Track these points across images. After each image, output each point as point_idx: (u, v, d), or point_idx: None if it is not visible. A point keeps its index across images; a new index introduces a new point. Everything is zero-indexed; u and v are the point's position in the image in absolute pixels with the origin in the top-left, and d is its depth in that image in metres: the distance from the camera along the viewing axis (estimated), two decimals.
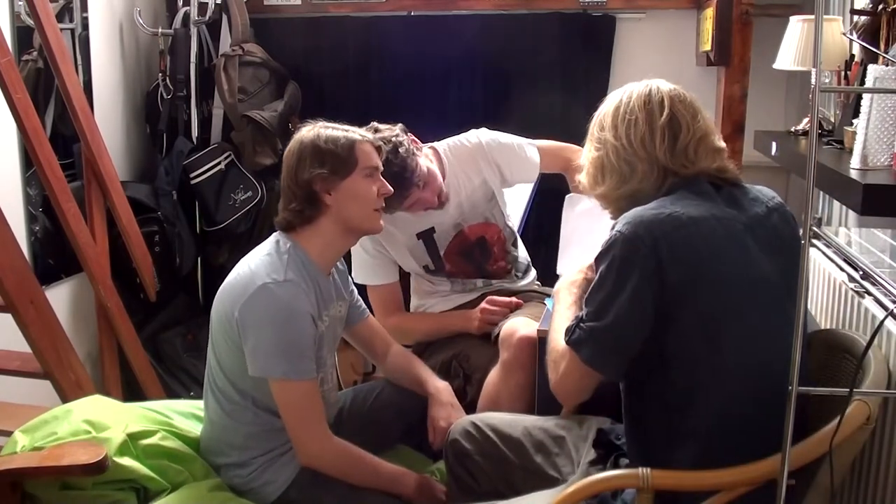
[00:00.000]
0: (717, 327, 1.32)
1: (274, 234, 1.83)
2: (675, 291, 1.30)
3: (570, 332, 1.40)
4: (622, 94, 1.48)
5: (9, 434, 1.74)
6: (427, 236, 2.26)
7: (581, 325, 1.38)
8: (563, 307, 1.58)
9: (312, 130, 1.80)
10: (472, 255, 2.31)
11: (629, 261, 1.31)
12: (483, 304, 2.18)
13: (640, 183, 1.43)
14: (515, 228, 2.44)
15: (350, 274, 2.04)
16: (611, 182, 1.46)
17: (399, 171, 2.03)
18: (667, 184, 1.42)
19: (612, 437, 1.55)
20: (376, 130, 2.07)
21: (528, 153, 2.34)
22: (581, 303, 1.54)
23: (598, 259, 1.38)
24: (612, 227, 1.38)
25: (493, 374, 1.97)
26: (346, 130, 1.80)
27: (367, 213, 1.81)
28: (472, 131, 2.33)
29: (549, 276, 2.29)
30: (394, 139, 2.06)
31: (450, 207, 2.25)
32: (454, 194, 2.25)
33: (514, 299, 2.19)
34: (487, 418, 1.76)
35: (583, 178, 1.54)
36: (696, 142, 1.42)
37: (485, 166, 2.28)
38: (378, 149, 1.84)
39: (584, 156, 1.53)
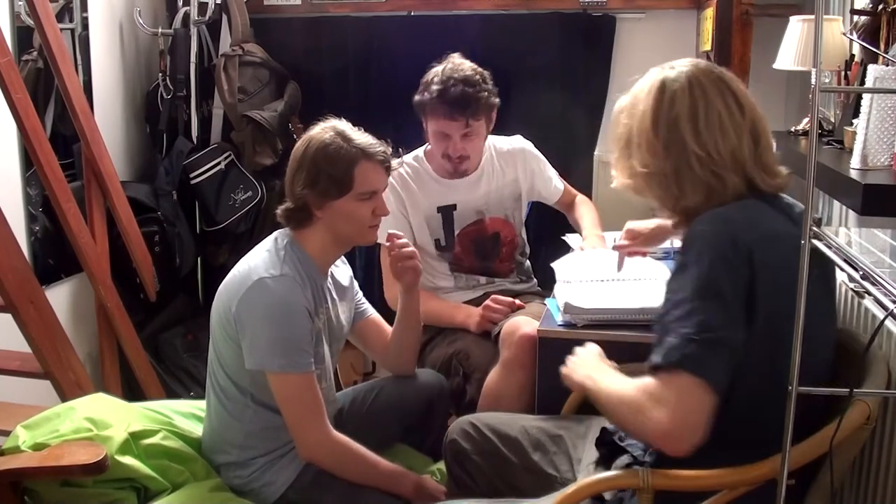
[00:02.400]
0: (781, 340, 1.22)
1: (274, 232, 1.83)
2: (760, 303, 1.22)
3: (676, 351, 1.19)
4: (681, 83, 1.32)
5: (9, 434, 1.74)
6: (447, 212, 2.31)
7: (693, 338, 1.17)
8: (606, 374, 1.39)
9: (323, 135, 1.75)
10: (484, 246, 2.35)
11: (727, 266, 1.19)
12: (486, 302, 2.19)
13: (728, 194, 1.30)
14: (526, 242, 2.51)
15: (353, 276, 2.04)
16: (696, 195, 1.31)
17: (456, 95, 2.17)
18: (744, 191, 1.32)
19: (616, 437, 1.54)
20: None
21: (556, 181, 2.50)
22: (606, 362, 1.44)
23: (687, 263, 1.24)
24: (694, 226, 1.26)
25: (494, 373, 1.97)
26: (354, 146, 1.73)
27: (357, 231, 1.81)
28: (517, 136, 2.45)
29: (549, 278, 2.29)
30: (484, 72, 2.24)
31: (479, 189, 2.33)
32: (486, 180, 2.34)
33: (516, 301, 2.19)
34: (485, 418, 1.77)
35: (652, 194, 1.37)
36: (770, 146, 1.34)
37: (521, 168, 2.40)
38: (386, 167, 1.80)
39: (646, 161, 1.35)
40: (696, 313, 1.19)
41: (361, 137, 1.77)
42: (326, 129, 1.77)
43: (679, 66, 1.37)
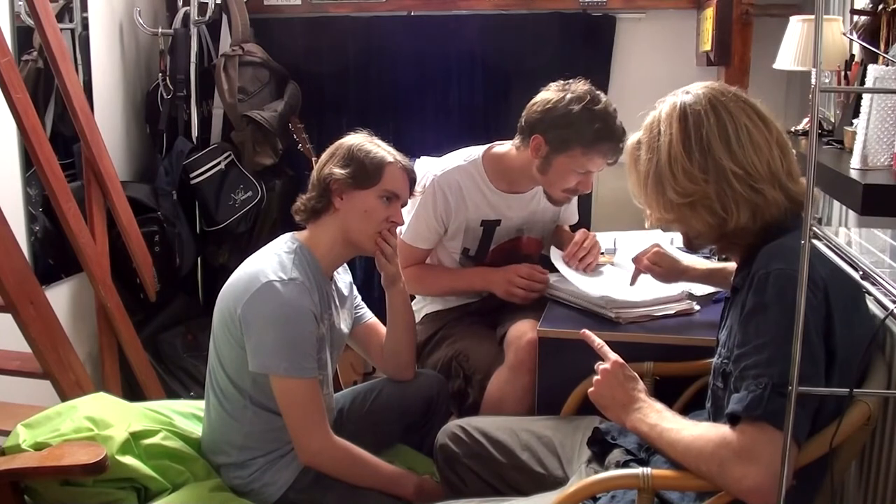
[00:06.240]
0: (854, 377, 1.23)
1: (282, 235, 1.84)
2: (837, 340, 1.20)
3: (758, 403, 1.15)
4: (703, 104, 1.30)
5: (9, 434, 1.74)
6: (490, 226, 2.22)
7: (778, 390, 1.13)
8: (665, 420, 1.33)
9: (359, 137, 1.84)
10: (511, 264, 2.27)
11: (809, 307, 1.09)
12: (517, 268, 2.10)
13: (771, 208, 1.29)
14: None
15: (353, 281, 2.04)
16: (742, 214, 1.29)
17: (620, 133, 2.01)
18: (784, 202, 1.30)
19: (608, 437, 1.55)
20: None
21: (576, 213, 2.45)
22: (651, 399, 1.39)
23: (766, 305, 1.19)
24: (765, 264, 1.22)
25: (499, 376, 1.96)
26: (389, 152, 1.83)
27: (367, 232, 1.81)
28: None
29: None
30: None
31: (528, 207, 2.25)
32: (536, 200, 2.25)
33: (546, 276, 2.12)
34: (474, 421, 1.78)
35: (699, 222, 1.32)
36: (793, 153, 1.32)
37: None
38: (412, 182, 1.86)
39: (686, 190, 1.30)
40: (780, 361, 1.14)
41: (395, 151, 1.86)
42: (361, 135, 1.86)
43: (693, 90, 1.35)
